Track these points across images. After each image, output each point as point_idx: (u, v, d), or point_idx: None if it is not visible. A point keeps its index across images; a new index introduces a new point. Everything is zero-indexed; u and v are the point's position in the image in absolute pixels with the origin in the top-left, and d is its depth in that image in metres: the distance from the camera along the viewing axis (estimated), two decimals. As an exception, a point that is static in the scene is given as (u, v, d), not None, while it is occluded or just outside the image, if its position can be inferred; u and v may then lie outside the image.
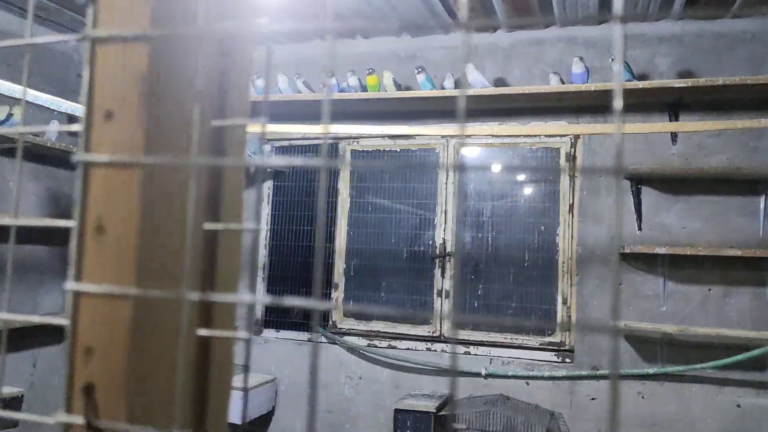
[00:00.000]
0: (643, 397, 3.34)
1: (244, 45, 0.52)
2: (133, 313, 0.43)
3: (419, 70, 3.59)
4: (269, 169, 4.15)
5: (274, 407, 3.90)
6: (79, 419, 0.43)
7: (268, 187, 4.22)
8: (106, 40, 0.45)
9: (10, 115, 3.52)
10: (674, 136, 3.37)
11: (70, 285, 0.44)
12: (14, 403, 3.34)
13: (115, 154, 0.44)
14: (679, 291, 3.33)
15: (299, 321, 4.07)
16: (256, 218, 4.10)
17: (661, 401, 3.31)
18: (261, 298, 0.47)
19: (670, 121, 3.37)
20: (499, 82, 3.69)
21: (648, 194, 3.43)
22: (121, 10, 0.45)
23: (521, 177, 3.79)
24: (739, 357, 3.07)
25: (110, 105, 0.45)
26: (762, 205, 3.25)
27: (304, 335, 3.98)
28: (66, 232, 4.11)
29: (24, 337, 3.88)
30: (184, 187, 0.46)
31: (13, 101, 3.52)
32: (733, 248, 3.16)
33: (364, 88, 3.72)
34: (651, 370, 3.30)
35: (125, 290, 0.43)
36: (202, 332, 0.48)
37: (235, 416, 2.94)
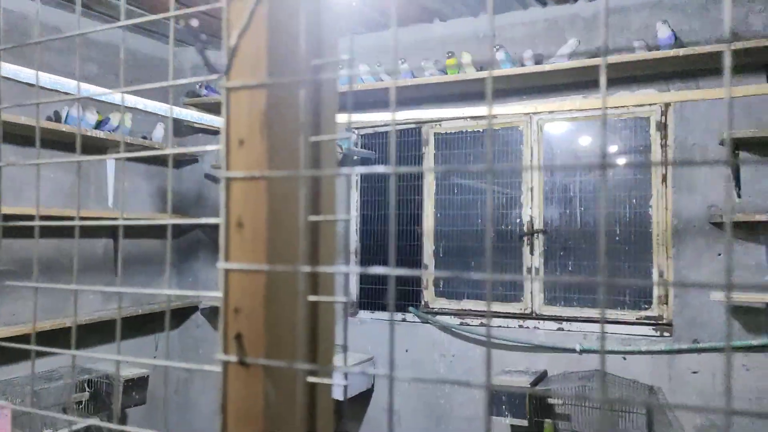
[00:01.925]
0: (747, 370, 3.22)
1: (333, 70, 0.68)
2: (265, 283, 0.60)
3: (498, 47, 3.60)
4: (356, 157, 4.29)
5: (373, 385, 4.07)
6: (233, 357, 0.61)
7: (356, 174, 4.38)
8: (238, 89, 0.62)
9: (120, 122, 3.87)
10: (774, 96, 3.19)
11: (222, 264, 0.62)
12: (141, 382, 3.71)
13: (247, 171, 0.61)
14: (784, 259, 3.17)
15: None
16: (346, 205, 4.27)
17: (765, 374, 3.18)
18: (353, 268, 0.61)
19: (769, 80, 3.19)
20: (582, 55, 3.62)
21: (747, 159, 3.27)
22: (245, 69, 0.62)
23: (611, 149, 3.72)
24: None
25: (242, 135, 0.61)
26: None
27: (398, 315, 4.12)
28: (179, 226, 4.47)
29: (146, 323, 4.27)
30: (295, 191, 0.63)
31: (123, 108, 3.87)
32: (844, 212, 2.97)
33: (443, 71, 3.77)
34: (756, 342, 3.17)
35: (260, 267, 0.61)
36: (312, 298, 0.65)
37: (338, 393, 3.11)
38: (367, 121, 3.95)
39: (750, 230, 3.23)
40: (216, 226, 3.88)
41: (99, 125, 3.80)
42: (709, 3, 3.36)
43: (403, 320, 4.09)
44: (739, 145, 3.25)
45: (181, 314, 4.62)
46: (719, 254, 3.31)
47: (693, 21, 3.39)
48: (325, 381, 0.65)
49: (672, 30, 3.23)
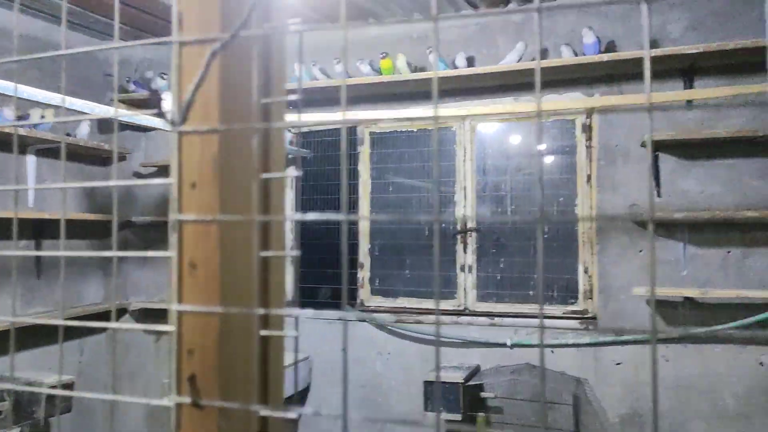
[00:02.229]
0: (667, 360, 3.41)
1: (281, 109, 0.69)
2: (219, 324, 0.61)
3: (431, 50, 3.64)
4: (291, 156, 4.26)
5: (309, 384, 4.07)
6: (187, 399, 0.62)
7: (292, 172, 4.33)
8: (190, 133, 0.61)
9: (42, 118, 3.69)
10: (689, 101, 3.38)
11: (175, 306, 0.63)
12: (67, 389, 3.55)
13: (199, 214, 0.61)
14: (699, 255, 3.37)
15: (329, 300, 4.21)
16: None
17: (686, 363, 3.38)
18: (301, 312, 0.61)
19: (685, 86, 3.38)
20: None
21: (666, 161, 3.45)
22: (197, 115, 0.61)
23: (539, 147, 3.84)
24: (761, 316, 3.11)
25: (194, 178, 0.61)
26: (780, 166, 3.26)
27: (334, 314, 4.12)
28: (106, 225, 4.30)
29: (70, 328, 4.10)
30: (248, 232, 0.63)
31: (45, 104, 3.69)
32: (750, 210, 3.18)
33: (377, 71, 3.79)
34: (675, 334, 3.36)
35: (213, 309, 0.61)
36: (264, 333, 0.66)
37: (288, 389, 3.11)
38: (305, 122, 3.92)
39: (669, 228, 3.41)
40: (146, 226, 3.72)
41: (18, 121, 3.60)
42: (631, 11, 3.52)
43: (340, 318, 4.09)
44: (659, 147, 3.43)
45: (108, 318, 4.46)
46: (641, 251, 3.48)
47: (616, 27, 3.54)
48: (278, 414, 0.65)
49: (597, 36, 3.37)
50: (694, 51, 3.14)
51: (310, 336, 4.09)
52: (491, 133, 3.96)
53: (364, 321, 4.00)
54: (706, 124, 3.36)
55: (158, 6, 3.61)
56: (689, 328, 3.36)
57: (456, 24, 3.86)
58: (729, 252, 3.32)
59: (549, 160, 3.84)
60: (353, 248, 4.15)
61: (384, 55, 3.73)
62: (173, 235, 0.62)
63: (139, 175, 4.47)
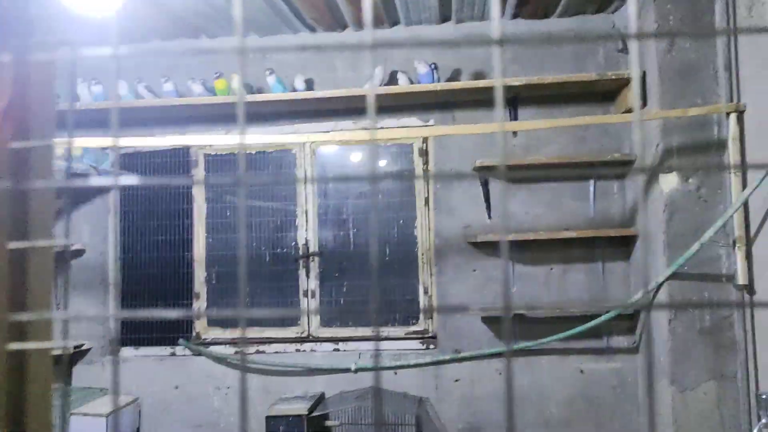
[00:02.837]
0: (500, 374, 3.59)
1: None
2: None
3: (270, 71, 3.54)
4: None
5: (138, 429, 3.71)
6: None
7: (114, 197, 3.96)
8: None
9: None
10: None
11: None
12: None
13: None
14: (525, 272, 3.60)
15: (158, 336, 3.88)
16: (103, 234, 3.84)
17: (516, 375, 3.58)
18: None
19: (510, 114, 3.61)
20: (350, 81, 3.74)
21: (495, 184, 3.65)
22: None
23: (380, 164, 3.88)
24: (580, 328, 3.37)
25: None
26: (591, 189, 3.59)
27: (165, 350, 3.81)
28: None
29: None
30: None
31: None
32: (568, 230, 3.47)
33: (211, 91, 3.60)
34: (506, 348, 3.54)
35: None
36: None
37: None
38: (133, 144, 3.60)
39: (498, 248, 3.60)
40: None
41: None
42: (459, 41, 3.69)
43: (172, 354, 3.80)
44: (488, 172, 3.62)
45: None
46: (474, 270, 3.64)
47: (448, 57, 3.70)
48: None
49: (431, 65, 3.48)
50: (516, 83, 3.37)
51: (137, 375, 3.74)
52: (332, 154, 3.93)
53: (199, 354, 3.74)
54: (530, 151, 3.61)
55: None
56: (519, 341, 3.56)
57: (294, 45, 3.80)
58: (552, 269, 3.59)
59: (389, 183, 3.90)
60: (188, 277, 3.88)
61: (218, 74, 3.55)
62: None
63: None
